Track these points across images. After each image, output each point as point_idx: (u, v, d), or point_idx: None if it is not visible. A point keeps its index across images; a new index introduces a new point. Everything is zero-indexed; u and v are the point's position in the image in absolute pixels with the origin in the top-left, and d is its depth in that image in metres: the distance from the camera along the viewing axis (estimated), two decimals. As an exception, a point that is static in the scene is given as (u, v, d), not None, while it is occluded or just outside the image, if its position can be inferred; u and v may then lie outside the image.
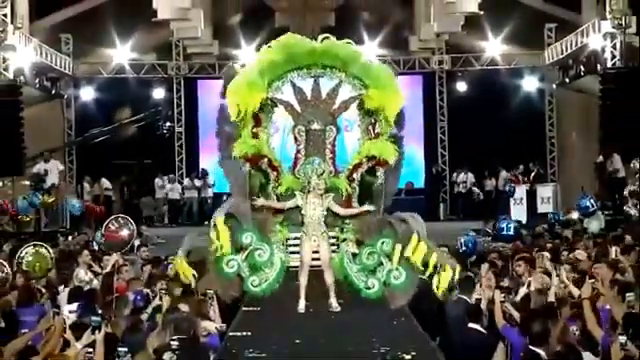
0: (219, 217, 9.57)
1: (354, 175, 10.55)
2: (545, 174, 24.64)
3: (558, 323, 8.09)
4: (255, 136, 10.55)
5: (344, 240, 10.13)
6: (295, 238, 9.96)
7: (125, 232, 12.08)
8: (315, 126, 10.62)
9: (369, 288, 9.67)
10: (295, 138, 10.71)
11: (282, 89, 10.64)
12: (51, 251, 11.34)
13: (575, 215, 18.90)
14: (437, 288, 9.45)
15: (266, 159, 10.54)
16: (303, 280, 9.48)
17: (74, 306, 9.46)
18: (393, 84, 10.62)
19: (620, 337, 7.20)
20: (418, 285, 9.65)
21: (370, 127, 10.66)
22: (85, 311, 8.90)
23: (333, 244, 9.89)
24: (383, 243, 9.72)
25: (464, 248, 13.05)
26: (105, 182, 24.05)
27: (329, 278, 9.51)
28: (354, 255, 9.88)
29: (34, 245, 11.39)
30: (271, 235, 10.11)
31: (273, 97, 10.58)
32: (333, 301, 9.49)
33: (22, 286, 10.59)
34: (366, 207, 10.09)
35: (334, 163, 10.69)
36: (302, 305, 9.45)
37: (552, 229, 18.39)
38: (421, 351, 7.58)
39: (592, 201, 17.59)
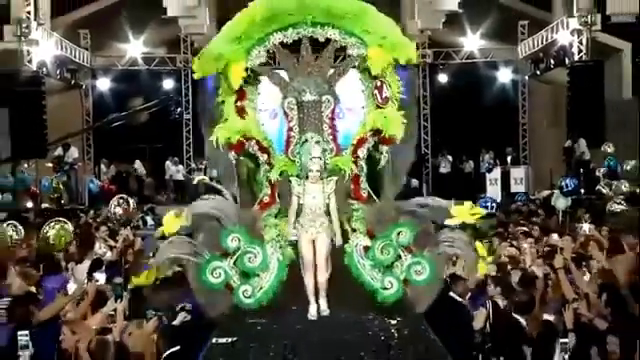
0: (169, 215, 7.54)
1: (359, 152, 8.03)
2: (518, 157, 24.75)
3: (537, 294, 8.10)
4: (240, 112, 8.15)
5: (353, 231, 7.59)
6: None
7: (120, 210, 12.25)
8: (308, 97, 7.94)
9: (386, 288, 7.34)
10: (285, 113, 8.08)
11: (265, 56, 8.14)
12: (71, 226, 11.43)
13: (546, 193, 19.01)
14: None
15: (254, 141, 8.10)
16: (309, 282, 7.18)
17: (100, 275, 9.39)
18: (397, 35, 8.28)
19: (574, 304, 7.27)
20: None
21: (376, 91, 8.16)
22: (109, 280, 9.00)
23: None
24: (400, 234, 7.36)
25: None
26: (138, 164, 23.94)
27: (322, 276, 7.14)
28: (365, 249, 7.45)
29: (57, 221, 11.47)
30: (264, 232, 7.56)
31: (254, 67, 8.08)
32: (323, 303, 7.18)
33: (48, 257, 10.58)
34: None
35: (335, 139, 8.06)
36: (313, 311, 7.17)
37: (527, 207, 18.44)
38: (406, 318, 7.44)
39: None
